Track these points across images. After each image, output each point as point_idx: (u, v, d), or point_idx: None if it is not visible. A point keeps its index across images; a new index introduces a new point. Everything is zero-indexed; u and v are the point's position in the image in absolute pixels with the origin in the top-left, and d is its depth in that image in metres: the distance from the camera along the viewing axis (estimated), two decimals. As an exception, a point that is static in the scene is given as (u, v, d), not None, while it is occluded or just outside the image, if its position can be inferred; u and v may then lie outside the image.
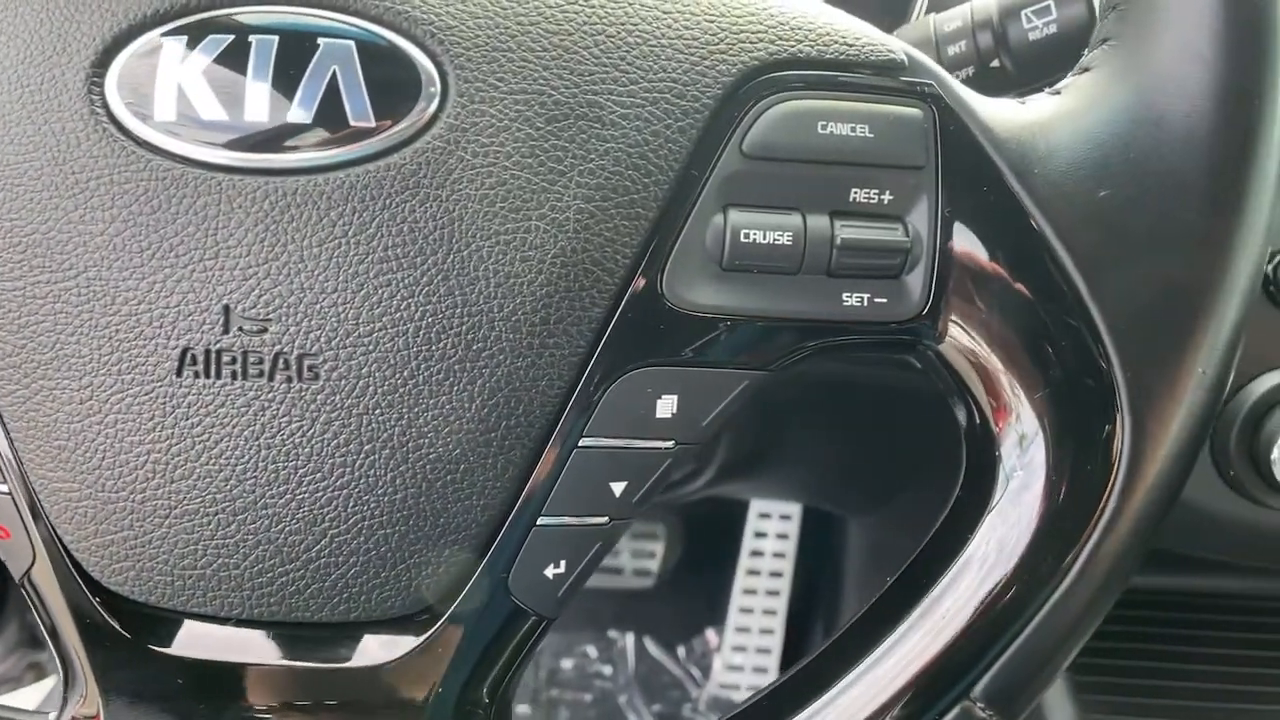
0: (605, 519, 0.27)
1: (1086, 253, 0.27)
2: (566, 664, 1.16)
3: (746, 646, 1.07)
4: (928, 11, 0.45)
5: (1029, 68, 0.40)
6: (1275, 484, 0.50)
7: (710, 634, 1.12)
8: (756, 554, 1.08)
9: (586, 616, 1.14)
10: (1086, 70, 0.29)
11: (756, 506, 1.07)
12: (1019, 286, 0.27)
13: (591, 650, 1.16)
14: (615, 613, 1.15)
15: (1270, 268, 0.50)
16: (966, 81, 0.43)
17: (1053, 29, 0.40)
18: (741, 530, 1.08)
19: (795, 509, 1.06)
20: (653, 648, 1.15)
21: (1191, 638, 0.65)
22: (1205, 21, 0.27)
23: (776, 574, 1.08)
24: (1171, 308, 0.27)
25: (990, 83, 0.42)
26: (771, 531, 1.08)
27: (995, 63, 0.42)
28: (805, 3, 0.28)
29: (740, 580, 1.08)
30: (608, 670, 1.15)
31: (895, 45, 0.28)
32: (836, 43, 0.28)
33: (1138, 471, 0.27)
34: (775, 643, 1.07)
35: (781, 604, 1.07)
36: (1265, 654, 0.63)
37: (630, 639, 1.15)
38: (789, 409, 0.65)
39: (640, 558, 1.12)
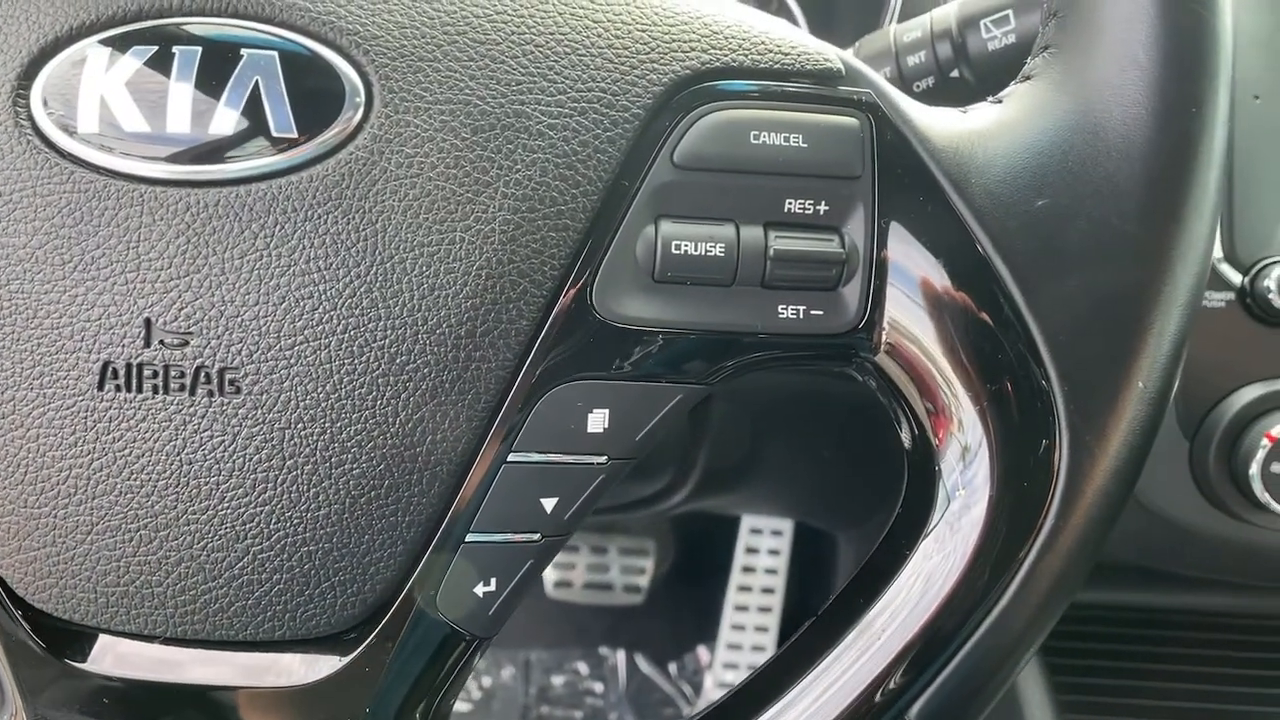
0: (537, 536, 0.27)
1: (1023, 263, 0.26)
2: (557, 681, 1.15)
3: (738, 664, 1.06)
4: (899, 21, 0.45)
5: (989, 78, 0.40)
6: (1254, 499, 0.49)
7: (702, 651, 1.11)
8: (748, 570, 1.07)
9: (577, 633, 1.13)
10: (1028, 79, 0.29)
11: (748, 522, 1.07)
12: (956, 298, 0.27)
13: (582, 667, 1.15)
14: (606, 629, 1.14)
15: (1248, 280, 0.50)
16: (926, 92, 0.42)
17: (1011, 39, 0.40)
18: (733, 546, 1.07)
19: (787, 525, 1.06)
20: (644, 664, 1.14)
21: (1176, 655, 0.64)
22: (1143, 29, 0.27)
23: (768, 590, 1.07)
24: (1110, 320, 0.27)
25: (950, 93, 0.42)
26: (763, 547, 1.07)
27: (955, 73, 0.41)
28: (742, 12, 0.28)
29: (732, 596, 1.07)
30: (599, 687, 1.14)
31: (832, 54, 0.28)
32: (771, 52, 0.27)
33: (1076, 489, 0.27)
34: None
35: (773, 620, 1.06)
36: (1250, 672, 0.62)
37: (621, 656, 1.14)
38: (768, 423, 0.64)
39: (630, 574, 1.11)
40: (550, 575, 1.09)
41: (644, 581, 1.11)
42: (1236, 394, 0.51)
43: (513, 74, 0.26)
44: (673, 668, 1.13)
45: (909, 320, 0.27)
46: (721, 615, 1.07)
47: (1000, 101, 0.29)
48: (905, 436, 0.29)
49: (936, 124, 0.28)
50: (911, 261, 0.27)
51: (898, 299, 0.27)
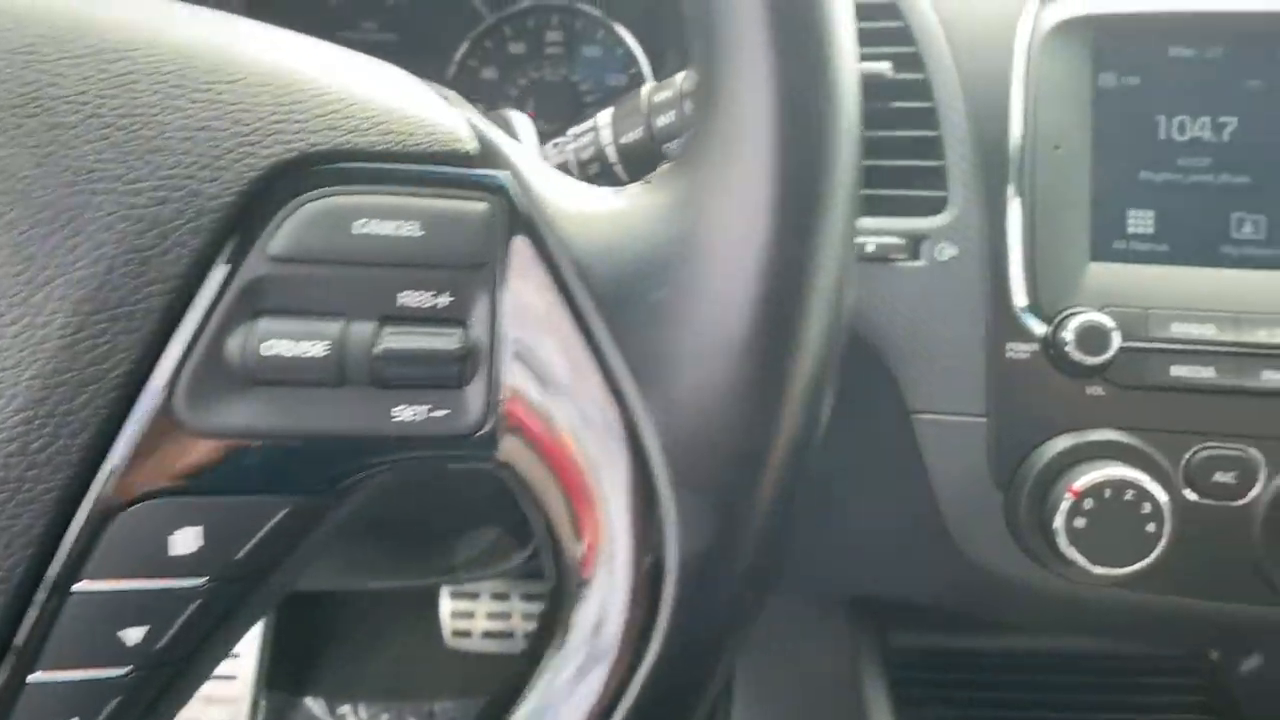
0: (124, 670, 0.24)
1: (639, 359, 0.25)
2: (464, 734, 1.11)
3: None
4: None
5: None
6: (1059, 553, 0.49)
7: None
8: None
9: (484, 681, 1.10)
10: (670, 160, 0.27)
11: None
12: (574, 396, 0.25)
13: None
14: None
15: (1050, 331, 0.49)
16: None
17: None
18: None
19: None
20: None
21: (1019, 700, 0.63)
22: (763, 114, 0.25)
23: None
24: (719, 425, 0.25)
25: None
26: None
27: None
28: (380, 87, 0.26)
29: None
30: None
31: (466, 134, 0.26)
32: (393, 133, 0.25)
33: (685, 614, 0.25)
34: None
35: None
36: (1087, 716, 0.61)
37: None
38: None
39: (533, 621, 1.08)
40: (449, 624, 1.05)
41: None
42: (1045, 445, 0.50)
43: (83, 162, 0.24)
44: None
45: (530, 423, 0.25)
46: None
47: (649, 183, 0.27)
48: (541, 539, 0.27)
49: (574, 208, 0.26)
50: (532, 357, 0.25)
51: (519, 398, 0.25)
